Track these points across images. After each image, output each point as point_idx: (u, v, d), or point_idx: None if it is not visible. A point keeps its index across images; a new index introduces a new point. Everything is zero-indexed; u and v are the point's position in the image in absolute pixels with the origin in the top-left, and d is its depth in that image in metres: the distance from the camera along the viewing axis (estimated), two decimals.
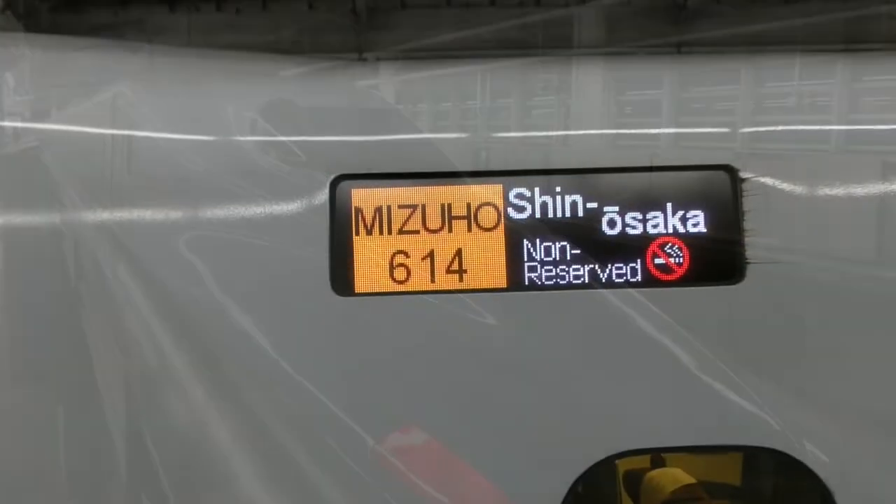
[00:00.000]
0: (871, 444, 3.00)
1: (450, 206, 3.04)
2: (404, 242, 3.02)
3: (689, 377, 2.98)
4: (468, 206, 3.04)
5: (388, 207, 3.03)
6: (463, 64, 3.66)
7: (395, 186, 3.04)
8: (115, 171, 3.04)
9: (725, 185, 3.06)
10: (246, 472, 2.92)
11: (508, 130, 3.20)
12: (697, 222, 3.04)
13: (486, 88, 3.38)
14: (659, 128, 3.20)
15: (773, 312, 3.01)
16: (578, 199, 3.04)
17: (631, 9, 7.76)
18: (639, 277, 3.01)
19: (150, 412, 2.93)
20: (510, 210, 3.04)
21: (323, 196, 3.02)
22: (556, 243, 3.02)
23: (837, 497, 2.93)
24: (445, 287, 3.00)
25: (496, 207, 3.04)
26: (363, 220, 3.02)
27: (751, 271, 3.01)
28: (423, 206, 3.03)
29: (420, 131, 3.20)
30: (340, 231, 3.01)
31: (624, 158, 3.10)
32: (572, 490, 2.94)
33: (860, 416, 3.00)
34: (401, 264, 3.01)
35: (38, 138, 3.12)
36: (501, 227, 3.03)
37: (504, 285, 3.01)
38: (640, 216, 3.04)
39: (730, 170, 3.07)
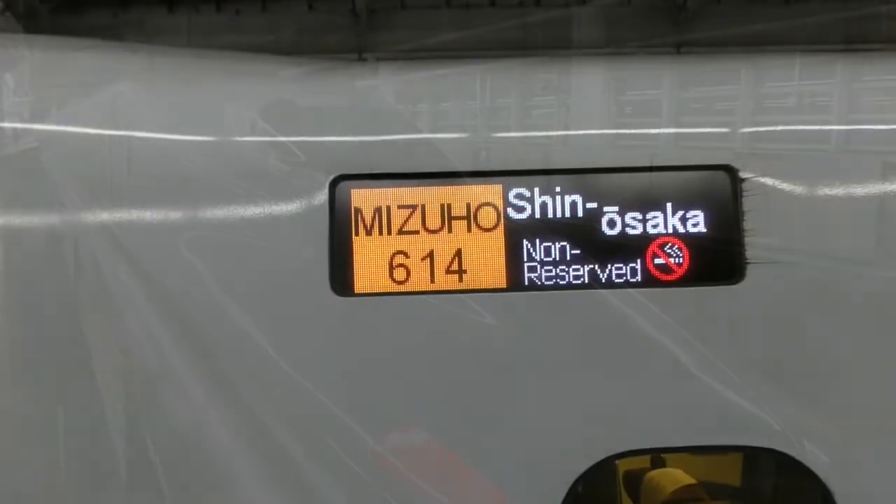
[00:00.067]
0: (871, 444, 3.00)
1: (449, 206, 3.04)
2: (404, 243, 3.02)
3: (689, 377, 2.98)
4: (468, 206, 3.04)
5: (388, 208, 3.03)
6: (463, 64, 3.67)
7: (395, 187, 3.04)
8: (115, 171, 3.04)
9: (725, 185, 3.06)
10: (246, 472, 2.92)
11: (508, 130, 3.20)
12: (697, 222, 3.04)
13: (486, 88, 3.38)
14: (659, 128, 3.20)
15: (773, 312, 3.01)
16: (578, 199, 3.04)
17: (631, 9, 7.77)
18: (639, 277, 3.01)
19: (149, 412, 2.93)
20: (510, 210, 3.04)
21: (322, 196, 3.02)
22: (556, 243, 3.02)
23: (837, 497, 2.92)
24: (445, 287, 3.00)
25: (496, 207, 3.04)
26: (363, 220, 3.02)
27: (751, 271, 3.01)
28: (423, 207, 3.03)
29: (420, 131, 3.20)
30: (340, 231, 3.01)
31: (624, 158, 3.10)
32: (572, 490, 2.94)
33: (860, 417, 3.00)
34: (400, 264, 3.01)
35: (38, 139, 3.12)
36: (501, 228, 3.03)
37: (504, 285, 3.01)
38: (639, 216, 3.04)
39: (730, 170, 3.07)
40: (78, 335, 2.95)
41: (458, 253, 3.02)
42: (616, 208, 3.04)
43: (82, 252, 2.98)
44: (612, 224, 3.04)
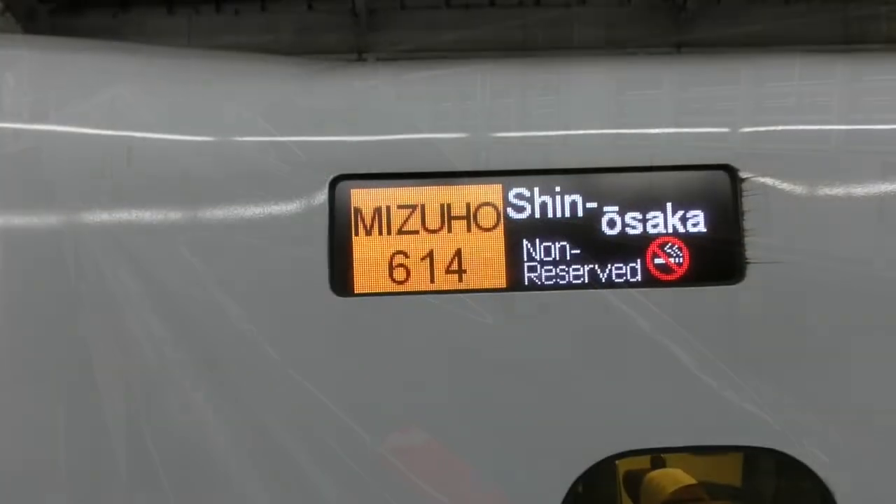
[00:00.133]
0: (871, 444, 2.99)
1: (449, 206, 3.04)
2: (404, 242, 3.02)
3: (689, 377, 2.98)
4: (467, 206, 3.04)
5: (388, 207, 3.03)
6: (463, 64, 3.66)
7: (395, 186, 3.04)
8: (115, 171, 3.04)
9: (725, 184, 3.06)
10: (245, 472, 2.92)
11: (508, 130, 3.20)
12: (697, 222, 3.04)
13: (486, 88, 3.37)
14: (659, 128, 3.19)
15: (773, 312, 3.01)
16: (578, 198, 3.04)
17: (631, 9, 7.79)
18: (639, 277, 3.01)
19: (149, 412, 2.93)
20: (510, 210, 3.04)
21: (322, 196, 3.02)
22: (556, 243, 3.02)
23: (837, 497, 2.92)
24: (445, 287, 3.00)
25: (496, 207, 3.04)
26: (362, 220, 3.02)
27: (751, 271, 3.01)
28: (423, 207, 3.03)
29: (419, 131, 3.19)
30: (340, 231, 3.00)
31: (624, 158, 3.09)
32: (572, 490, 2.93)
33: (860, 416, 3.00)
34: (400, 264, 3.01)
35: (38, 139, 3.12)
36: (501, 227, 3.03)
37: (503, 285, 3.00)
38: (639, 216, 3.03)
39: (729, 169, 3.07)
40: (78, 335, 2.95)
41: (458, 253, 3.02)
42: (616, 208, 3.04)
43: (82, 252, 2.98)
44: (612, 224, 3.03)
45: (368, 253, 3.01)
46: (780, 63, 3.61)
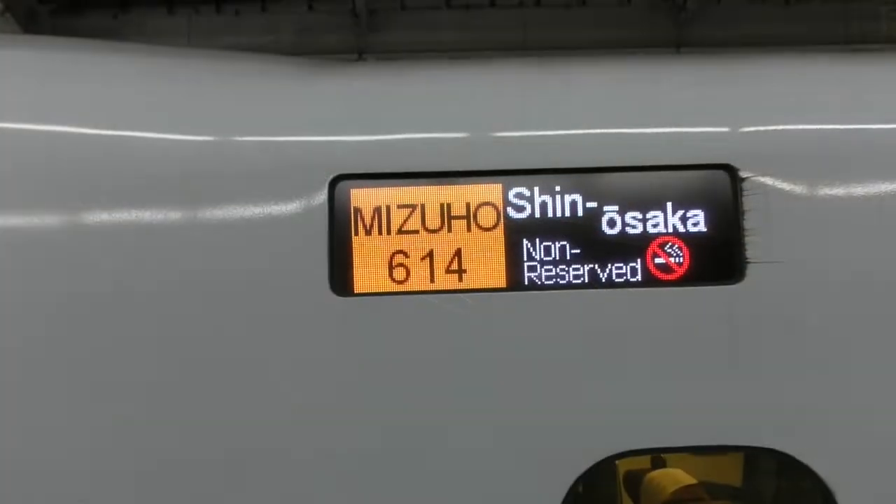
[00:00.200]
0: (872, 443, 2.99)
1: (449, 205, 3.03)
2: (403, 242, 3.01)
3: (688, 377, 2.98)
4: (467, 205, 3.03)
5: (387, 207, 3.02)
6: (463, 64, 3.67)
7: (394, 186, 3.03)
8: (114, 171, 3.04)
9: (725, 184, 3.06)
10: (245, 472, 2.91)
11: (508, 130, 3.19)
12: (697, 221, 3.04)
13: (486, 88, 3.37)
14: (659, 128, 3.19)
15: (773, 312, 3.01)
16: (578, 198, 3.04)
17: (631, 9, 7.79)
18: (639, 277, 3.01)
19: (150, 412, 2.92)
20: (509, 209, 3.03)
21: (322, 196, 3.02)
22: (556, 243, 3.01)
23: (838, 497, 2.92)
24: (445, 287, 2.99)
25: (495, 207, 3.03)
26: (362, 219, 3.02)
27: (751, 271, 3.00)
28: (422, 206, 3.03)
29: (419, 131, 3.19)
30: (339, 231, 3.00)
31: (624, 158, 3.09)
32: (572, 490, 2.93)
33: (860, 416, 2.99)
34: (400, 264, 3.00)
35: (39, 139, 3.12)
36: (501, 227, 3.03)
37: (503, 285, 3.00)
38: (639, 215, 3.03)
39: (729, 169, 3.06)
40: (79, 336, 2.95)
41: (458, 252, 3.01)
42: (616, 208, 3.03)
43: (82, 252, 2.98)
44: (612, 223, 3.03)
45: (368, 253, 3.00)
46: (780, 63, 3.61)
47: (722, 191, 3.05)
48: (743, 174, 3.05)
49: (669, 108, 3.24)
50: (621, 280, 3.00)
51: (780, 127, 3.17)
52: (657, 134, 3.17)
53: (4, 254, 2.98)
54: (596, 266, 3.00)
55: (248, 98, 3.26)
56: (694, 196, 3.05)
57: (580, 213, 3.03)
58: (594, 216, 3.03)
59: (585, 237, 3.01)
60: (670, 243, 3.03)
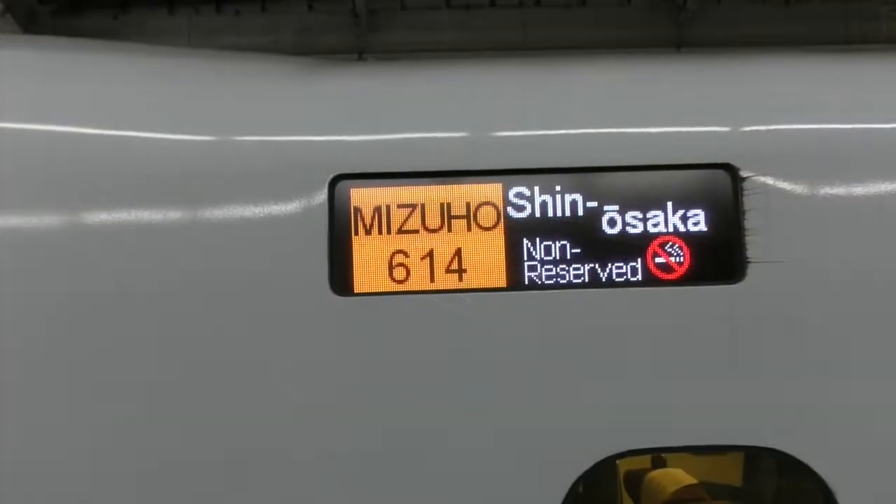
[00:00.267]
0: (872, 443, 2.99)
1: (449, 205, 3.03)
2: (403, 242, 3.01)
3: (689, 377, 2.98)
4: (467, 205, 3.03)
5: (387, 207, 3.02)
6: (462, 64, 3.67)
7: (394, 186, 3.03)
8: (114, 171, 3.04)
9: (726, 183, 3.06)
10: (245, 472, 2.91)
11: (508, 129, 3.19)
12: (698, 221, 3.04)
13: (486, 88, 3.37)
14: (659, 127, 3.19)
15: (773, 312, 3.00)
16: (578, 197, 3.04)
17: (631, 9, 7.79)
18: (639, 276, 3.01)
19: (150, 411, 2.92)
20: (510, 209, 3.03)
21: (322, 196, 3.01)
22: (556, 242, 3.01)
23: (838, 497, 2.92)
24: (445, 287, 2.99)
25: (496, 206, 3.03)
26: (362, 219, 3.02)
27: (751, 270, 3.00)
28: (423, 206, 3.02)
29: (419, 130, 3.19)
30: (339, 231, 3.00)
31: (624, 157, 3.09)
32: (572, 490, 2.93)
33: (861, 416, 2.99)
34: (400, 264, 3.00)
35: (39, 138, 3.12)
36: (501, 227, 3.02)
37: (504, 285, 3.00)
38: (640, 215, 3.03)
39: (730, 168, 3.06)
40: (79, 336, 2.94)
41: (458, 252, 3.01)
42: (616, 207, 3.03)
43: (82, 252, 2.98)
44: (612, 223, 3.03)
45: (368, 252, 3.00)
46: (780, 63, 3.61)
47: (722, 190, 3.05)
48: (743, 174, 3.05)
49: (670, 107, 3.24)
50: (622, 280, 3.00)
51: (781, 126, 3.16)
52: (657, 133, 3.17)
53: (4, 254, 2.98)
54: (596, 266, 3.00)
55: (248, 98, 3.26)
56: (694, 195, 3.05)
57: (580, 212, 3.03)
58: (594, 216, 3.03)
59: (586, 237, 3.01)
60: (671, 243, 3.03)
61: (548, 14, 7.39)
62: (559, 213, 3.03)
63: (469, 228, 3.02)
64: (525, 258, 3.01)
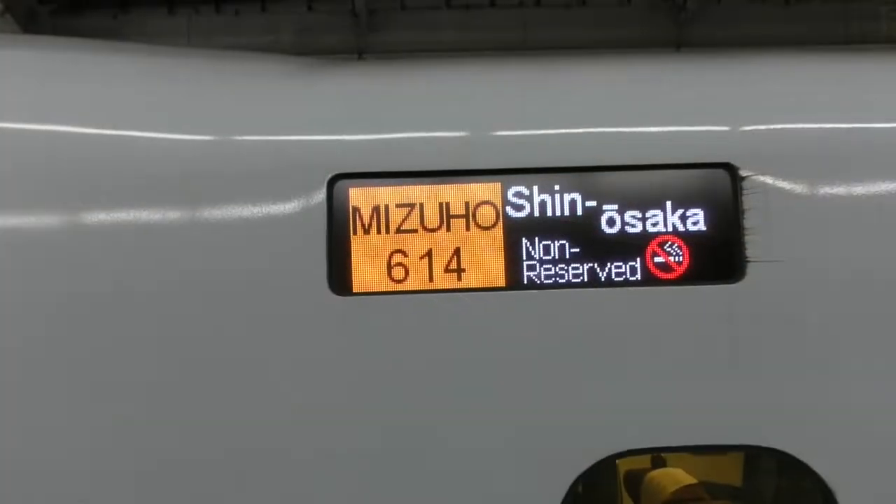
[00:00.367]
0: (872, 443, 2.99)
1: (448, 204, 3.03)
2: (402, 241, 3.01)
3: (688, 376, 2.98)
4: (466, 204, 3.03)
5: (386, 206, 3.02)
6: (462, 63, 3.67)
7: (393, 185, 3.03)
8: (114, 170, 3.04)
9: (725, 183, 3.06)
10: (245, 472, 2.91)
11: (507, 129, 3.19)
12: (697, 220, 3.04)
13: (485, 88, 3.37)
14: (659, 126, 3.19)
15: (773, 311, 3.00)
16: (577, 197, 3.03)
17: (631, 9, 7.79)
18: (638, 276, 3.01)
19: (149, 411, 2.92)
20: (509, 208, 3.03)
21: (320, 195, 3.01)
22: (555, 242, 3.01)
23: (838, 496, 2.91)
24: (444, 286, 2.99)
25: (495, 206, 3.03)
26: (361, 219, 3.01)
27: (751, 270, 3.00)
28: (421, 205, 3.02)
29: (418, 130, 3.19)
30: (338, 230, 3.00)
31: (623, 157, 3.09)
32: (572, 490, 2.93)
33: (860, 416, 2.99)
34: (399, 263, 3.00)
35: (39, 139, 3.12)
36: (500, 226, 3.02)
37: (503, 284, 3.00)
38: (639, 214, 3.03)
39: (729, 168, 3.06)
40: (80, 336, 2.94)
41: (457, 252, 3.01)
42: (615, 206, 3.03)
43: (82, 252, 2.98)
44: (611, 222, 3.03)
45: (367, 252, 3.00)
46: (780, 63, 3.61)
47: (722, 190, 3.05)
48: (743, 173, 3.05)
49: (669, 106, 3.24)
50: (621, 279, 3.00)
51: (781, 126, 3.16)
52: (657, 133, 3.17)
53: (4, 254, 2.98)
54: (595, 265, 3.00)
55: (248, 98, 3.27)
56: (694, 195, 3.05)
57: (579, 211, 3.03)
58: (593, 215, 3.03)
59: (585, 236, 3.01)
60: (670, 242, 3.03)
61: (548, 14, 7.38)
62: (558, 213, 3.03)
63: (468, 228, 3.02)
64: (524, 258, 3.00)
